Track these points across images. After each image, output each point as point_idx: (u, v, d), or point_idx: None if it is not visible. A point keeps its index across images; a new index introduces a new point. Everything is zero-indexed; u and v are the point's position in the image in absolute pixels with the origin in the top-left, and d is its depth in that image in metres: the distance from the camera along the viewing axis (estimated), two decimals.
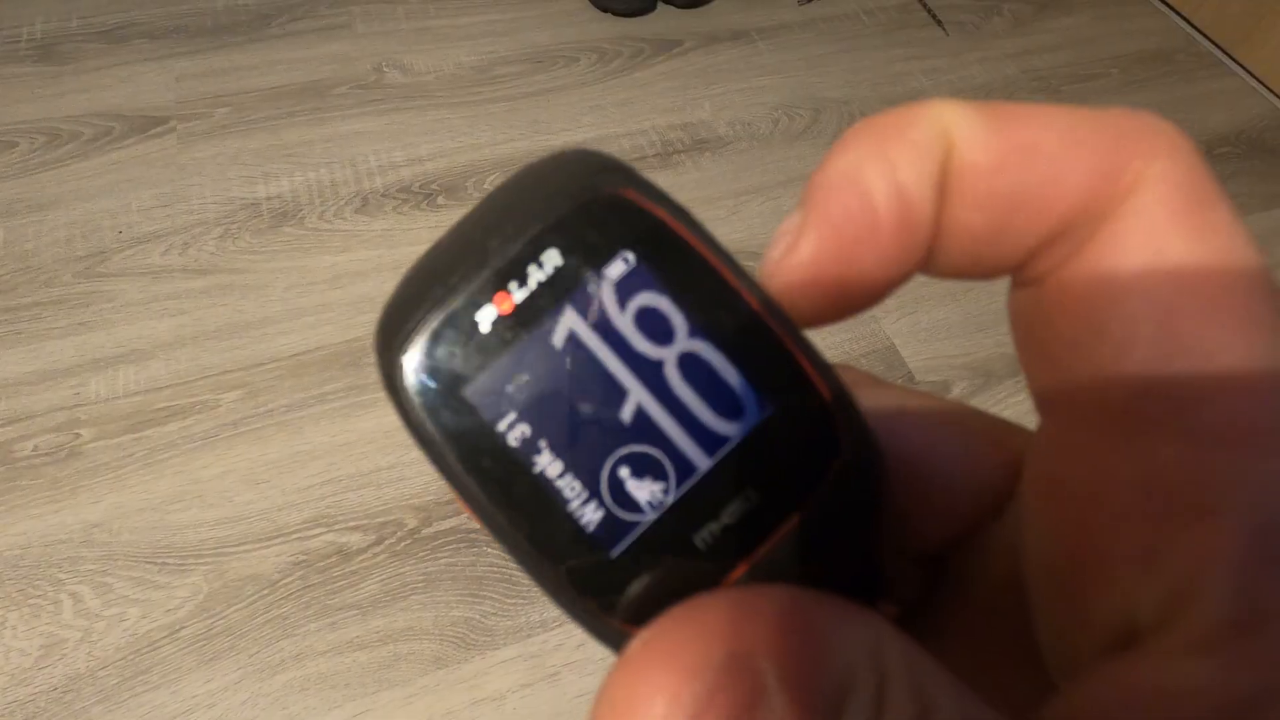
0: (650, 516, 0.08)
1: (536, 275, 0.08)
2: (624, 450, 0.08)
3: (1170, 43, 0.90)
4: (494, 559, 0.49)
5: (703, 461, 0.08)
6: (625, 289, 0.08)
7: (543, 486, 0.08)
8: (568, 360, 0.08)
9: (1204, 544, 0.07)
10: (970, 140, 0.08)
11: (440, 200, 0.67)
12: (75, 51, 0.74)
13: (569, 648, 0.46)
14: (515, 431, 0.08)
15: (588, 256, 0.08)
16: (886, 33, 0.86)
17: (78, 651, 0.44)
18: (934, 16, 0.89)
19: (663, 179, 0.71)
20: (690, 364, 0.08)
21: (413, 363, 0.08)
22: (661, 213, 0.09)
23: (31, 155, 0.66)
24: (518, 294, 0.08)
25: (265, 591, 0.47)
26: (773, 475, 0.08)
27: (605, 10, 0.84)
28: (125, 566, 0.47)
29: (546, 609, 0.47)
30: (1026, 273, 0.08)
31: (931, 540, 0.10)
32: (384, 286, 0.61)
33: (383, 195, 0.66)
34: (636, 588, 0.08)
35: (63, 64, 0.73)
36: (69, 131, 0.68)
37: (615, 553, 0.08)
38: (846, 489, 0.08)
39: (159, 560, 0.47)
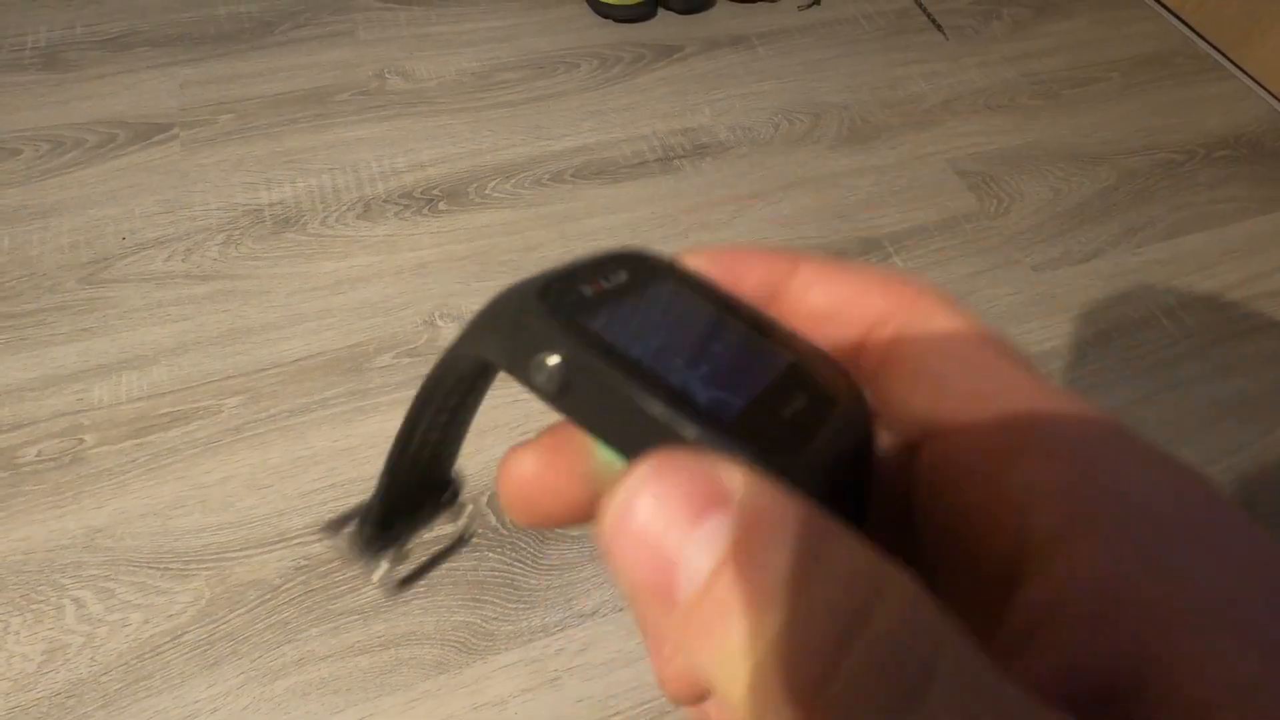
0: (740, 404, 0.10)
1: (614, 280, 0.12)
2: (709, 369, 0.11)
3: (1168, 46, 0.90)
4: (495, 564, 0.49)
5: (765, 378, 0.11)
6: (672, 293, 0.12)
7: (661, 376, 0.10)
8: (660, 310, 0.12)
9: (1027, 478, 0.10)
10: (805, 277, 0.13)
11: (442, 206, 0.67)
12: (79, 59, 0.75)
13: (570, 652, 0.46)
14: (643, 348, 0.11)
15: (644, 276, 0.12)
16: (885, 37, 0.87)
17: (80, 657, 0.44)
18: (933, 21, 0.89)
19: (664, 184, 0.71)
20: (730, 334, 0.12)
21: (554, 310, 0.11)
22: (683, 268, 0.13)
23: (36, 162, 0.67)
24: (605, 285, 0.12)
25: (267, 596, 0.47)
26: (811, 390, 0.11)
27: (606, 16, 0.84)
28: (128, 571, 0.47)
29: (547, 614, 0.47)
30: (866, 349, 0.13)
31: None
32: (386, 291, 0.61)
33: (385, 201, 0.67)
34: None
35: (67, 71, 0.74)
36: (73, 139, 0.69)
37: (725, 422, 0.10)
38: (856, 400, 0.12)
39: (161, 565, 0.48)
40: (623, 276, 0.12)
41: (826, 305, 0.13)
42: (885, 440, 0.13)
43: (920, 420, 0.12)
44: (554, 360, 0.10)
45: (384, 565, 0.12)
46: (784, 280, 0.13)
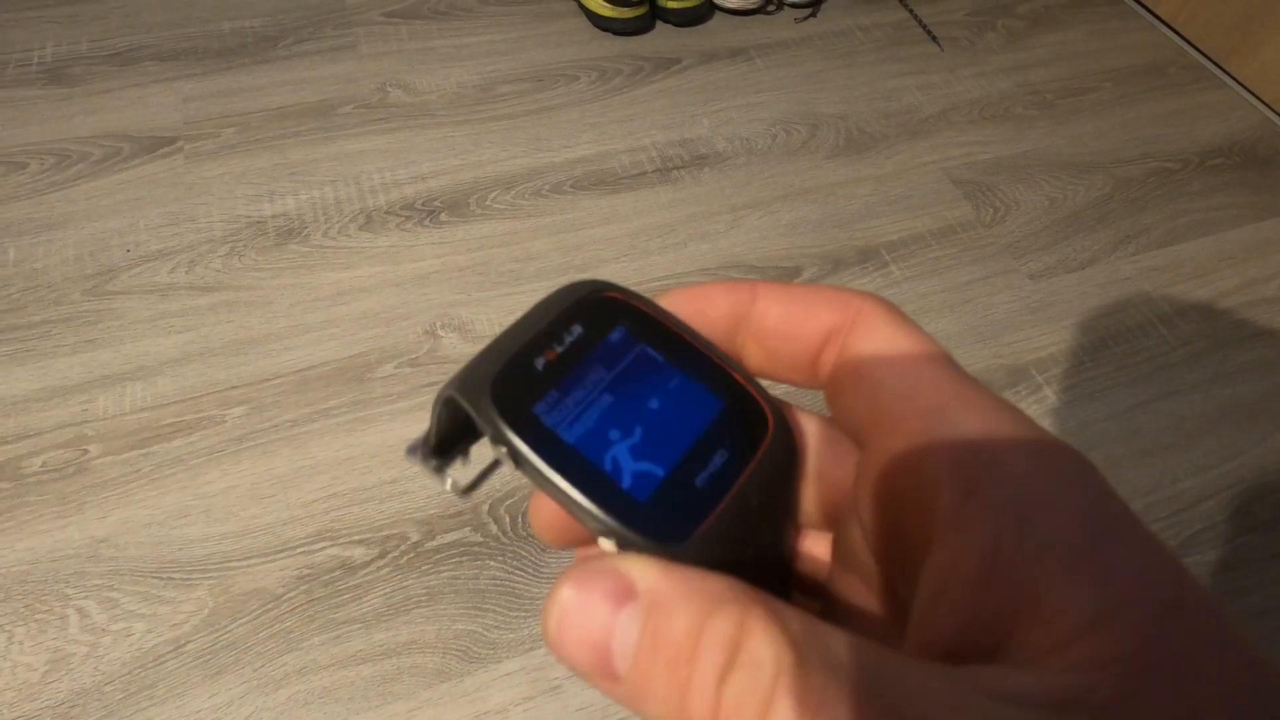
0: (662, 473, 0.12)
1: (569, 339, 0.13)
2: (642, 431, 0.13)
3: (1162, 56, 0.91)
4: (496, 572, 0.49)
5: (691, 434, 0.13)
6: (622, 344, 0.14)
7: (590, 461, 0.12)
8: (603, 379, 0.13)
9: (934, 461, 0.12)
10: (762, 304, 0.15)
11: (443, 217, 0.68)
12: (85, 74, 0.76)
13: None
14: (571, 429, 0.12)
15: (598, 329, 0.13)
16: (881, 49, 0.88)
17: (84, 666, 0.45)
18: (929, 32, 0.90)
19: (663, 194, 0.71)
20: (668, 384, 0.13)
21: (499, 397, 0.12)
22: (637, 303, 0.14)
23: (41, 176, 0.68)
24: (558, 349, 0.13)
25: (269, 606, 0.47)
26: (732, 442, 0.13)
27: (605, 29, 0.85)
28: (131, 581, 0.47)
29: None
30: (817, 369, 0.15)
31: (821, 514, 0.15)
32: (387, 302, 0.62)
33: (386, 212, 0.67)
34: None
35: (73, 86, 0.75)
36: (78, 152, 0.70)
37: (640, 508, 0.12)
38: (779, 443, 0.14)
39: (165, 575, 0.48)
40: (577, 332, 0.13)
41: (783, 325, 0.14)
42: (841, 446, 0.14)
43: (863, 421, 0.13)
44: (502, 448, 0.12)
45: (449, 479, 0.14)
46: (746, 307, 0.15)
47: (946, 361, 0.13)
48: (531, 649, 0.47)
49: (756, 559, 0.13)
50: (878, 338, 0.13)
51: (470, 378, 0.12)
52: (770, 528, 0.14)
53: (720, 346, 0.14)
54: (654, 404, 0.13)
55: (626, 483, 0.12)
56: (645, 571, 0.11)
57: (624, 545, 0.12)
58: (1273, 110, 0.85)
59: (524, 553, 0.50)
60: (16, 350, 0.57)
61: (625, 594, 0.11)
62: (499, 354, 0.12)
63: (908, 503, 0.12)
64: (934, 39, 0.89)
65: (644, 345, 0.13)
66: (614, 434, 0.12)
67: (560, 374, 0.12)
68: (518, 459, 0.12)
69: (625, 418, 0.13)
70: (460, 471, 0.14)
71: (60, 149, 0.70)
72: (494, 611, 0.48)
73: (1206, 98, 0.86)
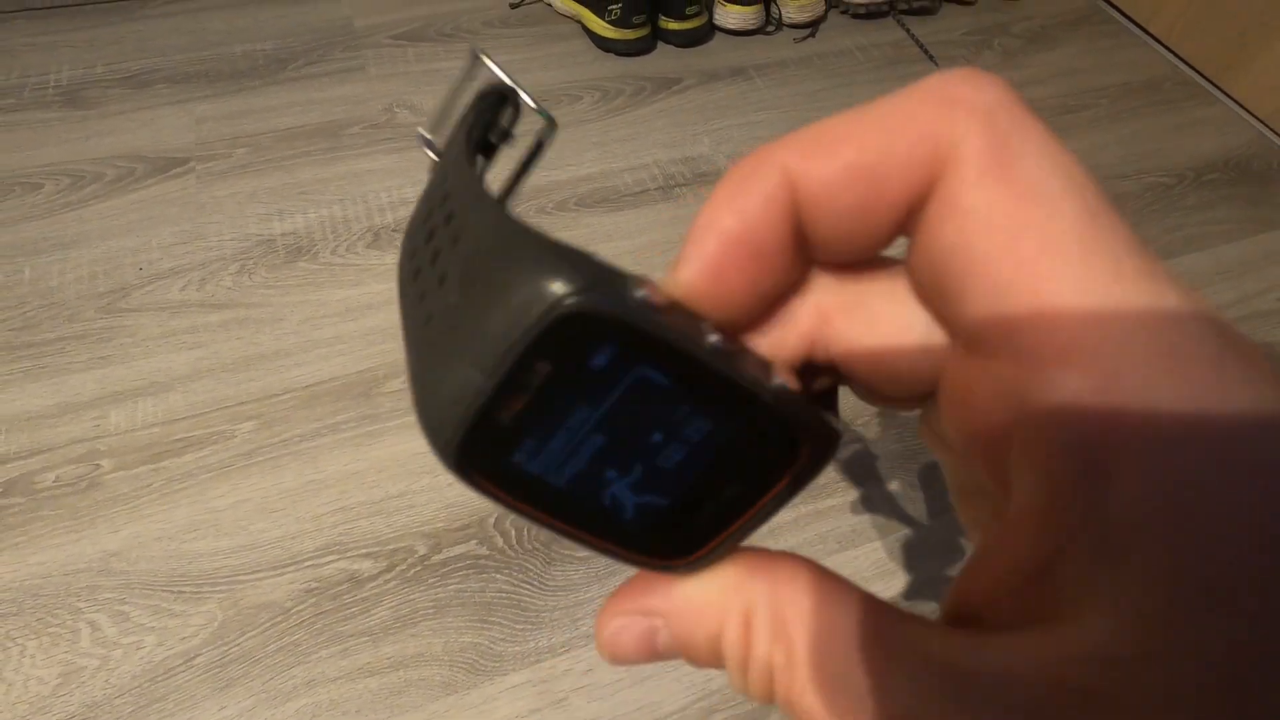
0: (668, 502, 0.11)
1: (534, 382, 0.10)
2: (643, 468, 0.11)
3: (1157, 73, 0.92)
4: (502, 585, 0.50)
5: (700, 464, 0.11)
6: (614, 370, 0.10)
7: (586, 501, 0.11)
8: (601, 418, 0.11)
9: (1024, 443, 0.09)
10: (808, 174, 0.10)
11: None
12: (100, 97, 0.77)
13: (577, 673, 0.47)
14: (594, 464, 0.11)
15: (572, 360, 0.10)
16: (879, 68, 0.89)
17: (95, 679, 0.45)
18: (926, 52, 0.91)
19: (665, 211, 0.73)
20: (672, 412, 0.11)
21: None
22: (620, 313, 0.10)
23: (57, 196, 0.69)
24: (524, 396, 0.10)
25: (278, 619, 0.48)
26: (752, 464, 0.11)
27: (607, 50, 0.87)
28: (142, 595, 0.48)
29: (554, 634, 0.48)
30: (906, 238, 0.11)
31: (896, 403, 0.13)
32: (395, 318, 0.63)
33: (394, 230, 0.69)
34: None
35: (88, 109, 0.76)
36: (93, 173, 0.71)
37: (649, 524, 0.12)
38: (807, 470, 0.11)
39: (175, 588, 0.48)
40: (544, 372, 0.10)
41: (838, 224, 0.10)
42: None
43: (945, 317, 0.10)
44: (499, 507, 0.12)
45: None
46: (780, 224, 0.10)
47: (1075, 256, 0.09)
48: (537, 661, 0.47)
49: None
50: (964, 216, 0.09)
51: (437, 443, 0.10)
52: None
53: (758, 330, 0.12)
54: (656, 437, 0.11)
55: (629, 515, 0.11)
56: (660, 604, 0.12)
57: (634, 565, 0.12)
58: (1266, 126, 0.86)
59: (530, 566, 0.51)
60: (31, 367, 0.58)
61: (650, 638, 0.12)
62: (459, 418, 0.10)
63: (991, 452, 0.10)
64: (931, 58, 0.91)
65: (638, 368, 0.10)
66: (610, 474, 0.11)
67: (535, 422, 0.10)
68: (506, 507, 0.11)
69: (622, 455, 0.11)
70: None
71: (75, 169, 0.71)
72: (500, 624, 0.48)
73: (1201, 114, 0.88)
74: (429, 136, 0.15)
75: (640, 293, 0.10)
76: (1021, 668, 0.08)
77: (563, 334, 0.09)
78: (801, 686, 0.10)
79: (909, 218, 0.10)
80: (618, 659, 0.12)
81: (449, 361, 0.10)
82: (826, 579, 0.11)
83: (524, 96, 0.14)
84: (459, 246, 0.11)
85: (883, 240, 0.10)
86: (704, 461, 0.11)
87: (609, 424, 0.10)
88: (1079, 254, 0.09)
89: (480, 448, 0.10)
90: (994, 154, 0.09)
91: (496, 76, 0.14)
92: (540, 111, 0.14)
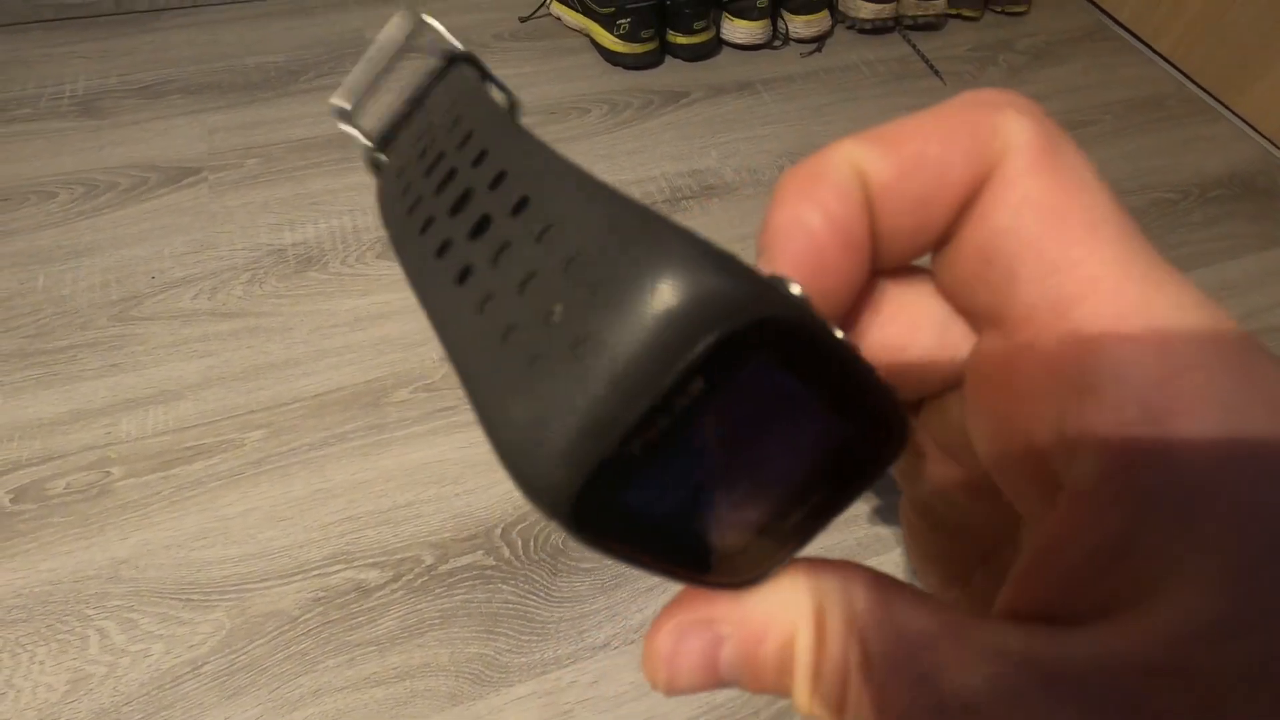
0: (756, 518, 0.11)
1: (682, 402, 0.09)
2: (749, 483, 0.10)
3: (1161, 89, 0.93)
4: (509, 596, 0.50)
5: (797, 474, 0.11)
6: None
7: (676, 535, 0.10)
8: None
9: (1083, 419, 0.09)
10: (875, 166, 0.10)
11: None
12: (114, 107, 0.78)
13: (583, 685, 0.47)
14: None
15: (726, 373, 0.09)
16: (885, 83, 0.90)
17: (103, 687, 0.45)
18: (931, 67, 0.92)
19: None
20: (797, 418, 0.10)
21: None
22: (798, 316, 0.09)
23: (70, 205, 0.70)
24: (666, 419, 0.09)
25: (286, 628, 0.48)
26: (830, 484, 0.11)
27: (615, 64, 0.88)
28: (151, 602, 0.48)
29: (560, 646, 0.48)
30: (947, 238, 0.11)
31: (910, 396, 0.13)
32: (404, 328, 0.63)
33: None
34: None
35: (103, 118, 0.77)
36: (106, 182, 0.72)
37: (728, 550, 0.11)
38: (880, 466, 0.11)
39: (184, 596, 0.49)
40: (696, 389, 0.08)
41: (902, 209, 0.10)
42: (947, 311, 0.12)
43: (986, 311, 0.10)
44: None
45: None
46: (858, 215, 0.11)
47: (1120, 243, 0.09)
48: (544, 673, 0.47)
49: None
50: (1019, 200, 0.10)
51: (544, 491, 0.08)
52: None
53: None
54: (772, 447, 0.10)
55: (718, 535, 0.10)
56: (727, 613, 0.11)
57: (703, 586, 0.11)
58: (1271, 143, 0.87)
59: (536, 577, 0.51)
60: (43, 374, 0.58)
61: (713, 655, 0.11)
62: (583, 456, 0.08)
63: (1037, 436, 0.10)
64: (936, 73, 0.92)
65: (781, 374, 0.09)
66: (714, 494, 0.10)
67: (664, 448, 0.09)
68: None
69: (733, 472, 0.10)
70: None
71: (89, 178, 0.72)
72: (506, 635, 0.48)
73: (1205, 130, 0.88)
74: (345, 107, 0.13)
75: (798, 291, 0.09)
76: (1113, 657, 0.08)
77: (736, 344, 0.08)
78: (881, 685, 0.09)
79: (963, 211, 0.10)
80: (675, 684, 0.11)
81: (556, 384, 0.08)
82: (887, 579, 0.10)
83: (487, 69, 0.13)
84: (551, 234, 0.09)
85: (938, 233, 0.11)
86: (804, 469, 0.10)
87: (731, 439, 0.09)
88: (1118, 236, 0.09)
89: (598, 491, 0.08)
90: (1044, 149, 0.10)
91: (450, 45, 0.13)
92: (501, 87, 0.13)
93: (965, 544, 0.14)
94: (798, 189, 0.11)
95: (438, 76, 0.13)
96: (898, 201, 0.10)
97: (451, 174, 0.10)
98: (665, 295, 0.08)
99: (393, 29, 0.13)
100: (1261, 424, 0.08)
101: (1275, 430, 0.08)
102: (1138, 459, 0.08)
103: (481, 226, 0.10)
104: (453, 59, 0.13)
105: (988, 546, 0.14)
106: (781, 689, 0.11)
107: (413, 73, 0.13)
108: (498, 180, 0.10)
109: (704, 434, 0.09)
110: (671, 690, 0.11)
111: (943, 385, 0.12)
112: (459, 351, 0.10)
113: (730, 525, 0.10)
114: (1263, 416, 0.08)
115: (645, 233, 0.08)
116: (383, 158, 0.14)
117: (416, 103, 0.13)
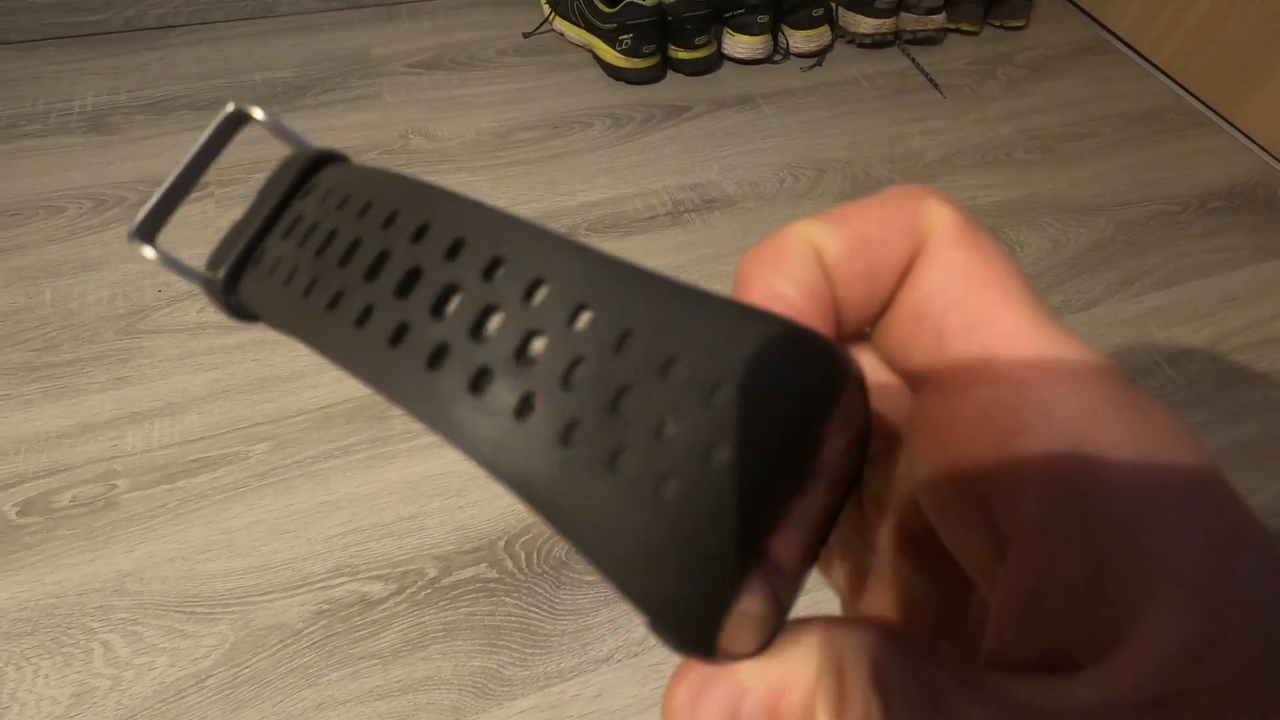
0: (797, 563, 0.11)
1: None
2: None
3: (1160, 102, 0.93)
4: (511, 608, 0.50)
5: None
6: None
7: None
8: None
9: (1022, 455, 0.10)
10: (828, 243, 0.12)
11: None
12: (123, 122, 0.79)
13: (586, 698, 0.47)
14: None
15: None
16: (885, 96, 0.90)
17: (107, 700, 0.45)
18: (931, 80, 0.93)
19: (674, 236, 0.74)
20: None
21: None
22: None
23: (79, 219, 0.71)
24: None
25: (289, 640, 0.48)
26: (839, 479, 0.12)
27: (618, 79, 0.89)
28: (155, 615, 0.48)
29: (563, 659, 0.48)
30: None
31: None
32: None
33: None
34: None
35: (112, 134, 0.78)
36: (114, 197, 0.73)
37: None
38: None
39: (188, 609, 0.49)
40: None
41: (858, 281, 0.12)
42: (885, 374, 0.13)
43: (920, 369, 0.12)
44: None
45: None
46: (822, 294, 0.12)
47: (1029, 304, 0.11)
48: (547, 686, 0.47)
49: None
50: (945, 267, 0.11)
51: (679, 623, 0.08)
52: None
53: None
54: (820, 490, 0.11)
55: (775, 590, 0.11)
56: (746, 678, 0.11)
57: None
58: (1270, 154, 0.87)
59: (539, 589, 0.51)
60: (51, 387, 0.59)
61: (735, 709, 0.11)
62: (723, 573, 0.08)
63: (970, 478, 0.11)
64: (936, 86, 0.92)
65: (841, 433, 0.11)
66: (779, 552, 0.11)
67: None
68: None
69: (807, 525, 0.11)
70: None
71: (98, 193, 0.73)
72: (509, 648, 0.48)
73: (1205, 142, 0.89)
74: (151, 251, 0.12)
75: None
76: (1118, 700, 0.09)
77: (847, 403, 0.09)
78: None
79: (901, 282, 0.12)
80: None
81: (700, 517, 0.07)
82: (900, 632, 0.11)
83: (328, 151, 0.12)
84: (620, 330, 0.08)
85: (883, 301, 0.12)
86: (831, 521, 0.11)
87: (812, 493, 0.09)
88: (1026, 297, 0.11)
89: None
90: (964, 228, 0.12)
91: (299, 142, 0.12)
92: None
93: (915, 614, 0.14)
94: (764, 264, 0.12)
95: (297, 180, 0.12)
96: (850, 273, 0.12)
97: (385, 256, 0.09)
98: (796, 386, 0.08)
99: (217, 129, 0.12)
100: (1161, 443, 0.09)
101: (1171, 447, 0.09)
102: (1081, 488, 0.09)
103: (485, 316, 0.08)
104: (318, 161, 0.12)
105: (942, 610, 0.14)
106: None
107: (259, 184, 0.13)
108: (455, 249, 0.09)
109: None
110: None
111: (886, 446, 0.13)
112: (541, 487, 0.08)
113: (786, 574, 0.10)
114: (1155, 435, 0.10)
115: (742, 319, 0.08)
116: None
117: (277, 208, 0.12)
